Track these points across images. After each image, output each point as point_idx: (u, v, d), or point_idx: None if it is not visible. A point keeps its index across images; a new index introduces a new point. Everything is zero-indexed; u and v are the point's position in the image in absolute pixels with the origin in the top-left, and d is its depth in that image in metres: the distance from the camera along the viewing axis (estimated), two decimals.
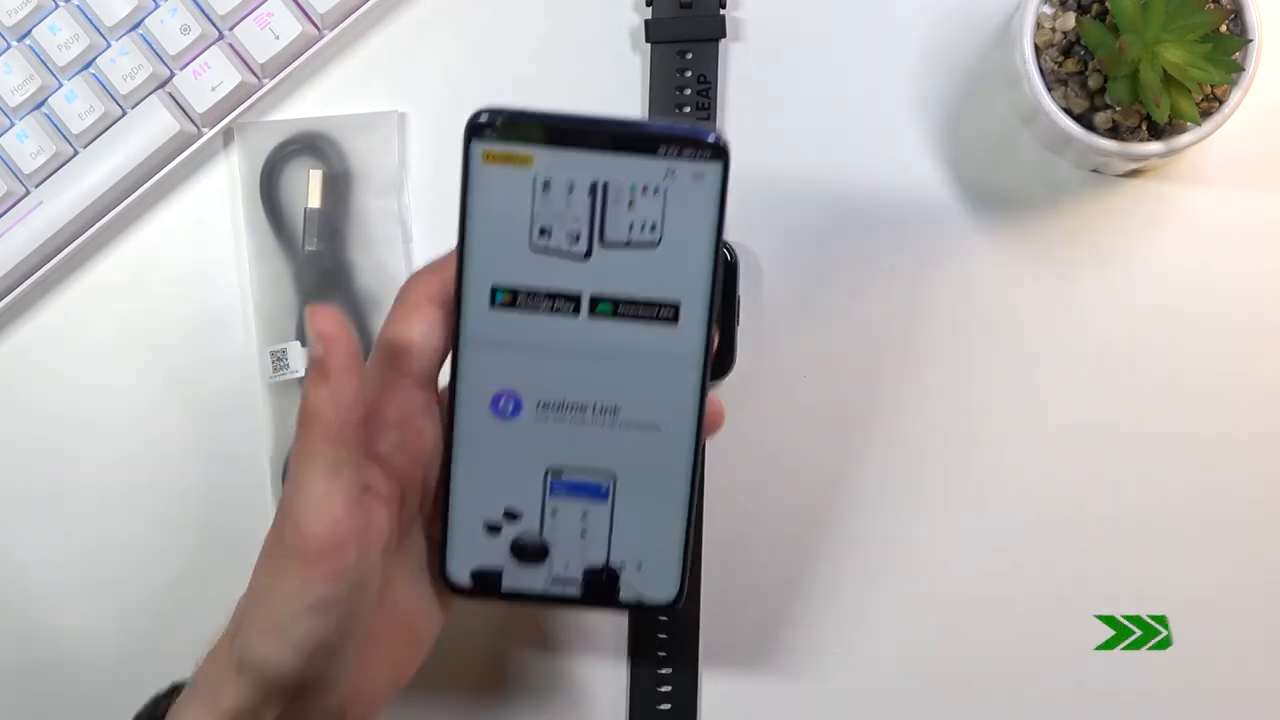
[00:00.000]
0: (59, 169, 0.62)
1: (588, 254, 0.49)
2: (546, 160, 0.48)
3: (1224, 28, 0.56)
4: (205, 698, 0.48)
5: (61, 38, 0.61)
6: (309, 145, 0.63)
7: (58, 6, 0.61)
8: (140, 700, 0.52)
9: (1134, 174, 0.61)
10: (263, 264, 0.63)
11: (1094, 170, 0.61)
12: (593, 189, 0.49)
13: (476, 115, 0.48)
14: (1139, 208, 0.61)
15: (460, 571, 0.52)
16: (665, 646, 0.62)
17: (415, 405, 0.50)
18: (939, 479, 0.61)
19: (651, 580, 0.52)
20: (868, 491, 0.62)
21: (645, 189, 0.49)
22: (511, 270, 0.49)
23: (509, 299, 0.50)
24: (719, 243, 0.49)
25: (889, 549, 0.62)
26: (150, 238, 0.64)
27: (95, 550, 0.64)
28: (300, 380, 0.62)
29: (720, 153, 0.49)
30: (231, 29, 0.61)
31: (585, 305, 0.50)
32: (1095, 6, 0.56)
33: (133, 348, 0.64)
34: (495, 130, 0.48)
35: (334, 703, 0.49)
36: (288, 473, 0.48)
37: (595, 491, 0.51)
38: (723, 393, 0.62)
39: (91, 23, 0.61)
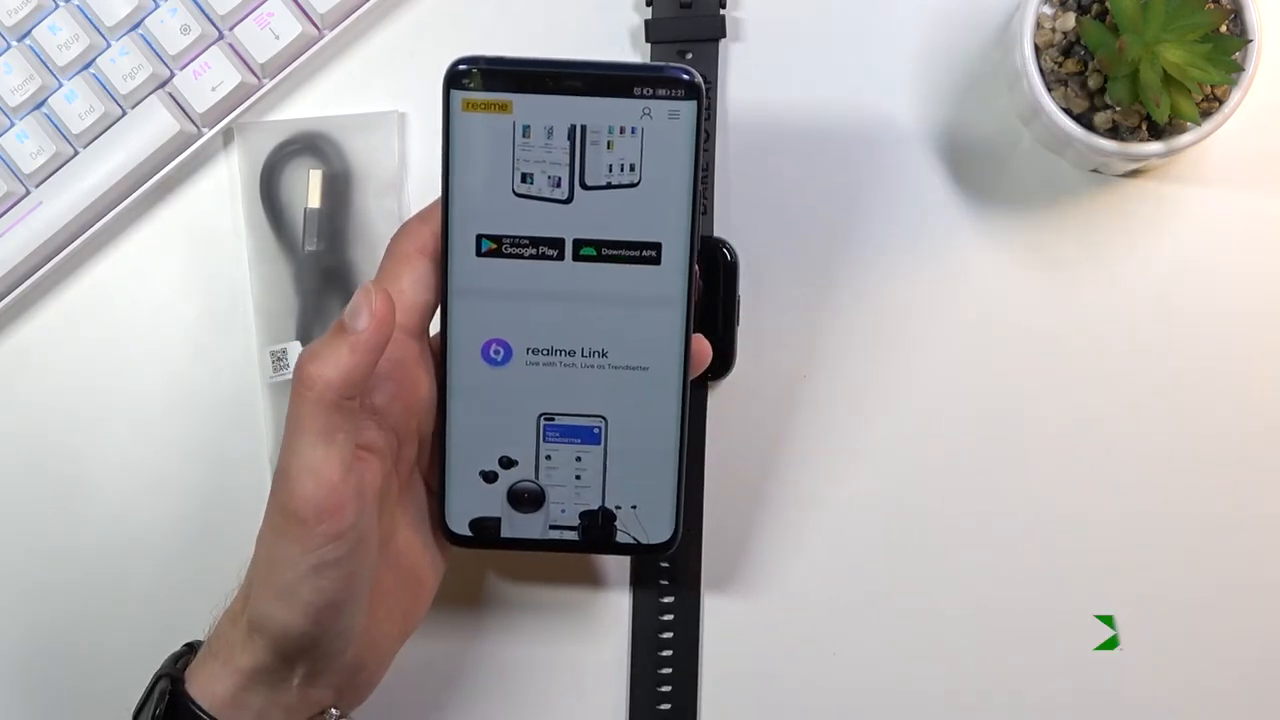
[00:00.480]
0: (59, 169, 0.62)
1: (569, 198, 0.50)
2: (524, 106, 0.49)
3: (1224, 28, 0.56)
4: (222, 658, 0.50)
5: (61, 38, 0.61)
6: (309, 145, 0.63)
7: (58, 6, 0.61)
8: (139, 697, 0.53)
9: (1134, 174, 0.61)
10: (263, 264, 0.63)
11: (1094, 170, 0.61)
12: (571, 132, 0.49)
13: (455, 64, 0.49)
14: (1139, 208, 0.61)
15: (459, 522, 0.53)
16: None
17: (408, 356, 0.51)
18: (939, 479, 0.61)
19: (647, 522, 0.53)
20: (867, 492, 0.62)
21: (623, 130, 0.50)
22: (495, 218, 0.50)
23: (494, 247, 0.51)
24: (698, 180, 0.50)
25: (889, 549, 0.62)
26: (150, 238, 0.64)
27: (95, 550, 0.64)
28: None
29: (694, 90, 0.49)
30: (231, 29, 0.61)
31: (569, 249, 0.51)
32: (1095, 6, 0.56)
33: (133, 348, 0.64)
34: (473, 78, 0.49)
35: (349, 655, 0.50)
36: (283, 437, 0.48)
37: (588, 435, 0.52)
38: (723, 392, 0.62)
39: (91, 23, 0.61)
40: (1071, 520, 0.61)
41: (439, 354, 0.52)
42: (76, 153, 0.62)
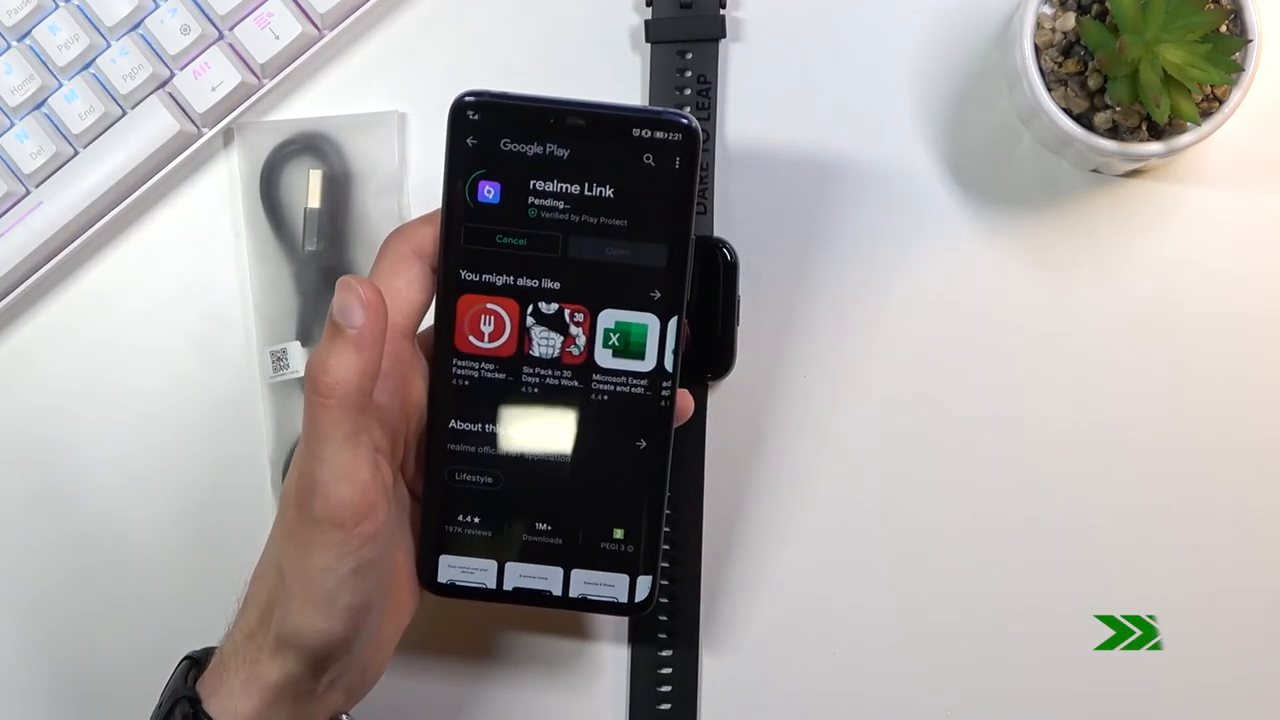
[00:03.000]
0: (59, 169, 0.62)
1: (563, 241, 0.51)
2: (526, 142, 0.50)
3: (1224, 28, 0.56)
4: (243, 676, 0.50)
5: (61, 38, 0.61)
6: (309, 145, 0.63)
7: (58, 6, 0.61)
8: (141, 700, 0.52)
9: (1134, 174, 0.61)
10: (263, 264, 0.63)
11: (1094, 170, 0.61)
12: (570, 171, 0.50)
13: (461, 97, 0.50)
14: (1139, 208, 0.61)
15: (444, 576, 0.54)
16: (666, 629, 0.62)
17: (403, 355, 0.52)
18: (939, 479, 0.61)
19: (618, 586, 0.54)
20: (867, 491, 0.62)
21: (620, 170, 0.50)
22: (485, 260, 0.51)
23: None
24: (692, 223, 0.51)
25: (888, 549, 0.62)
26: (150, 238, 0.64)
27: (95, 550, 0.64)
28: (300, 380, 0.62)
29: (691, 134, 0.50)
30: (231, 29, 0.61)
31: (556, 297, 0.51)
32: (1095, 6, 0.56)
33: (133, 348, 0.64)
34: (479, 112, 0.50)
35: (364, 654, 0.51)
36: (302, 444, 0.48)
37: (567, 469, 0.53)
38: (722, 392, 0.62)
39: (91, 23, 0.61)
40: (1072, 520, 0.61)
41: (433, 358, 0.52)
42: (76, 153, 0.62)
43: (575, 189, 0.51)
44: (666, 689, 0.62)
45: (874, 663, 0.62)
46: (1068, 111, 0.56)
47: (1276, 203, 0.61)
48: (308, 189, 0.62)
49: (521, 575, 0.54)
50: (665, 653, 0.62)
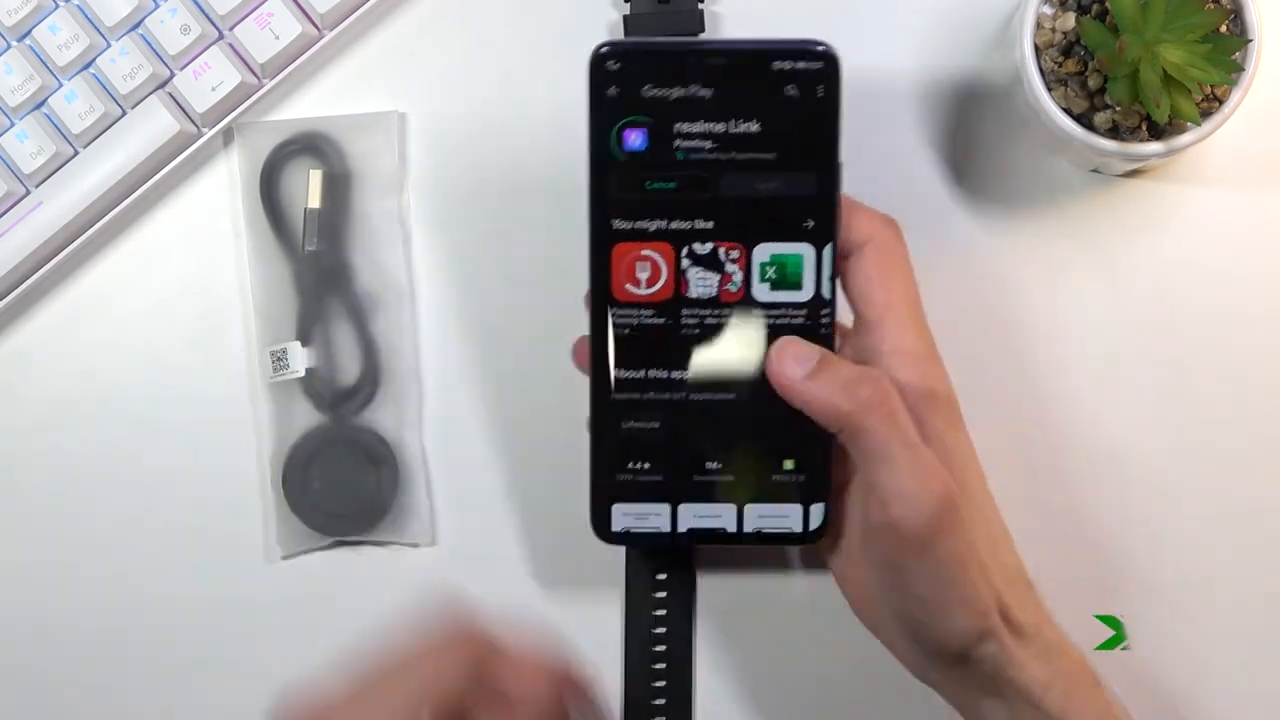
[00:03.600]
0: (59, 169, 0.62)
1: (713, 185, 0.52)
2: (668, 86, 0.51)
3: (1224, 28, 0.56)
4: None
5: (61, 38, 0.61)
6: (309, 145, 0.63)
7: (58, 6, 0.61)
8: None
9: (1134, 174, 0.61)
10: (263, 264, 0.63)
11: (1094, 170, 0.61)
12: (714, 109, 0.51)
13: (599, 48, 0.51)
14: (1139, 208, 0.61)
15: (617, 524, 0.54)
16: (663, 640, 0.62)
17: None
18: None
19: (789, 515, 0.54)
20: None
21: (764, 103, 0.51)
22: (635, 206, 0.52)
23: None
24: (838, 149, 0.52)
25: None
26: (150, 238, 0.64)
27: (94, 550, 0.64)
28: (300, 380, 0.62)
29: (831, 60, 0.52)
30: (231, 29, 0.61)
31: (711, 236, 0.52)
32: (1095, 6, 0.56)
33: (132, 348, 0.64)
34: (618, 60, 0.51)
35: None
36: None
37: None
38: None
39: (91, 23, 0.61)
40: (1071, 519, 0.61)
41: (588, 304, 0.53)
42: (76, 153, 0.62)
43: (720, 127, 0.51)
44: (661, 702, 0.62)
45: (874, 661, 0.61)
46: (1068, 111, 0.56)
47: (1276, 203, 0.61)
48: (308, 189, 0.62)
49: (696, 515, 0.54)
50: (661, 647, 0.62)
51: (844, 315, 0.54)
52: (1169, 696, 0.61)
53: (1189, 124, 0.55)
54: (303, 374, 0.62)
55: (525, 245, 0.63)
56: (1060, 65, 0.56)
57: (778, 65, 0.51)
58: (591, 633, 0.62)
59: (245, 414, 0.63)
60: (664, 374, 0.53)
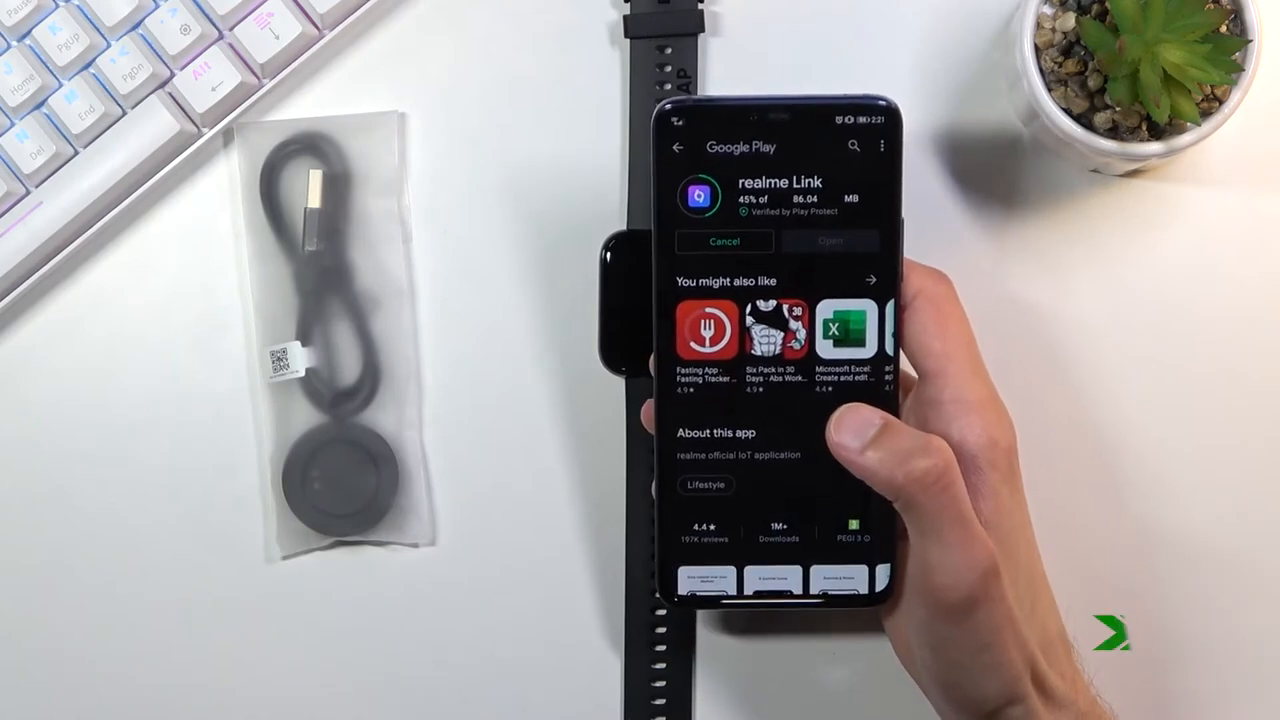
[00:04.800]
0: (59, 169, 0.62)
1: (777, 242, 0.52)
2: (732, 142, 0.51)
3: (1224, 28, 0.56)
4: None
5: (61, 38, 0.61)
6: (309, 145, 0.63)
7: (58, 6, 0.61)
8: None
9: (1134, 174, 0.61)
10: (263, 264, 0.63)
11: (1094, 170, 0.61)
12: (777, 165, 0.51)
13: (663, 106, 0.51)
14: (1139, 208, 0.61)
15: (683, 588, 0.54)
16: (663, 639, 0.62)
17: None
18: None
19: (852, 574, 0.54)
20: None
21: (827, 158, 0.51)
22: (699, 264, 0.52)
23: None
24: (900, 204, 0.52)
25: None
26: (150, 238, 0.64)
27: (94, 550, 0.64)
28: (300, 380, 0.62)
29: (893, 115, 0.51)
30: (231, 29, 0.61)
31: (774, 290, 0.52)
32: (1095, 6, 0.56)
33: (132, 348, 0.64)
34: (682, 117, 0.51)
35: None
36: None
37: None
38: None
39: (91, 23, 0.61)
40: (1071, 520, 0.61)
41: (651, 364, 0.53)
42: (76, 153, 0.62)
43: (784, 183, 0.51)
44: (661, 702, 0.62)
45: (874, 661, 0.61)
46: (1068, 111, 0.56)
47: (1276, 203, 0.61)
48: (308, 189, 0.62)
49: (761, 578, 0.54)
50: (661, 647, 0.62)
51: (909, 366, 0.54)
52: (1169, 696, 0.61)
53: (1189, 124, 0.55)
54: (303, 374, 0.62)
55: (525, 245, 0.63)
56: (1060, 65, 0.56)
57: (840, 120, 0.51)
58: (592, 633, 0.62)
59: (245, 414, 0.63)
60: (728, 433, 0.53)
